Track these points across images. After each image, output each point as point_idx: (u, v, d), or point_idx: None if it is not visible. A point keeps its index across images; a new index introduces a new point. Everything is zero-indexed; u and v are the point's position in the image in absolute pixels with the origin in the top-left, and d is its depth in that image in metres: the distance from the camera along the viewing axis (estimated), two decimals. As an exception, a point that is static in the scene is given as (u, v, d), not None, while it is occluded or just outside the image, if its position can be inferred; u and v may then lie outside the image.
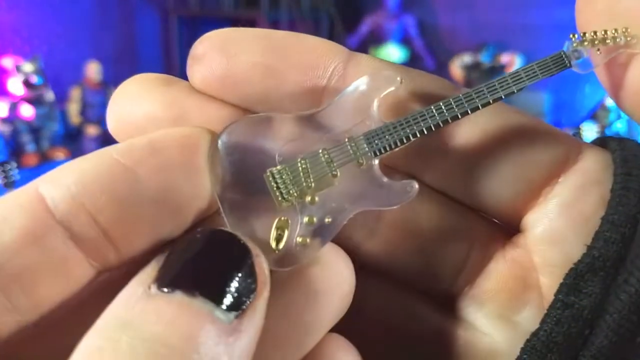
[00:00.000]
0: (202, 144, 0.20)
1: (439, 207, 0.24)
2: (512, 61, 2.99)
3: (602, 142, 0.25)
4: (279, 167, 0.21)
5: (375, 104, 0.22)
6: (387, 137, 0.21)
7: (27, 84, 2.88)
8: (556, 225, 0.23)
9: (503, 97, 0.22)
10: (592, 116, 2.46)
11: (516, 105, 0.24)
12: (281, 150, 0.21)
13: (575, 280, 0.22)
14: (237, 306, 0.17)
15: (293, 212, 0.21)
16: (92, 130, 3.04)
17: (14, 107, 2.87)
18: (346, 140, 0.22)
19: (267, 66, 0.22)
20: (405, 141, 0.21)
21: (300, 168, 0.21)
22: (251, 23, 3.99)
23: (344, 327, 0.22)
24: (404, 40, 3.66)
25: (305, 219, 0.21)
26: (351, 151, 0.21)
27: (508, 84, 0.22)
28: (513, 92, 0.22)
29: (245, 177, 0.21)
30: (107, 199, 0.18)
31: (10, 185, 1.61)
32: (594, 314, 0.22)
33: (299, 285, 0.20)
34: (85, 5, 3.43)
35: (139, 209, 0.19)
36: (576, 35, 0.23)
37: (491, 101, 0.22)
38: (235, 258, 0.18)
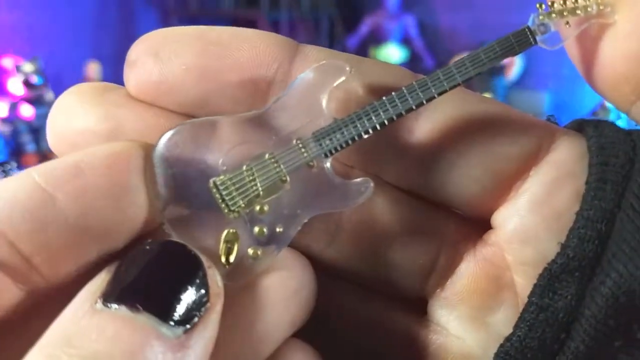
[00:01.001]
0: (132, 161, 0.19)
1: (402, 206, 0.23)
2: (512, 61, 2.99)
3: (579, 125, 0.23)
4: (222, 177, 0.19)
5: (324, 98, 0.20)
6: (337, 136, 0.20)
7: (27, 84, 2.88)
8: (527, 222, 0.21)
9: (460, 82, 0.20)
10: (592, 116, 2.46)
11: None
12: (225, 157, 0.20)
13: (549, 282, 0.21)
14: (185, 321, 0.16)
15: (242, 223, 0.20)
16: (92, 130, 3.04)
17: (14, 107, 2.87)
18: (294, 141, 0.20)
19: (202, 68, 0.20)
20: (357, 139, 0.20)
21: (246, 175, 0.20)
22: (251, 23, 3.99)
23: (310, 334, 0.21)
24: (404, 40, 3.66)
25: (256, 230, 0.20)
26: (300, 154, 0.20)
27: (466, 67, 0.20)
28: (471, 77, 0.20)
29: (188, 190, 0.20)
30: (27, 226, 0.17)
31: (11, 185, 1.61)
32: (570, 316, 0.21)
33: (253, 294, 0.20)
34: (85, 5, 3.43)
35: (61, 236, 0.18)
36: (544, 6, 0.20)
37: (448, 89, 0.20)
38: (186, 270, 0.17)
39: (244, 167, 0.20)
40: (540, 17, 0.20)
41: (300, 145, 0.20)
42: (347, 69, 0.20)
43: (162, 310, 0.16)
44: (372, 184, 0.20)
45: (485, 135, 0.22)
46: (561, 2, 0.20)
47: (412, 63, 3.68)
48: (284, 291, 0.20)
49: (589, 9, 0.20)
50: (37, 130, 2.90)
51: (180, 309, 0.16)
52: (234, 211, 0.19)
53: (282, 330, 0.20)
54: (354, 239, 0.22)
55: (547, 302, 0.21)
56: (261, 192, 0.20)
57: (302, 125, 0.20)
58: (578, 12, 0.20)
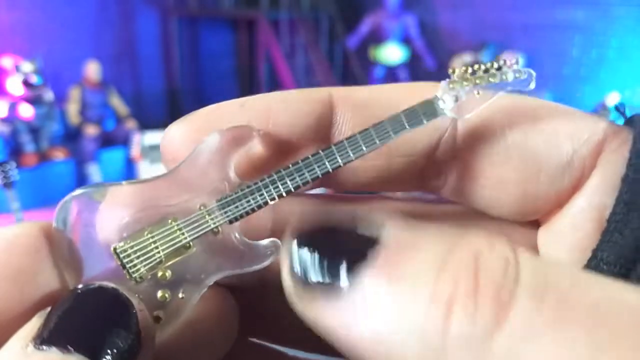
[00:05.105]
0: (32, 243, 0.19)
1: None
2: (512, 60, 2.98)
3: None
4: (122, 244, 0.19)
5: (231, 163, 0.20)
6: (243, 203, 0.20)
7: (26, 83, 2.88)
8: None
9: (366, 153, 0.20)
10: (593, 116, 2.45)
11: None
12: (125, 223, 0.19)
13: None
14: None
15: (147, 288, 0.20)
16: (91, 130, 3.04)
17: (13, 107, 2.86)
18: (199, 207, 0.20)
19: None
20: (263, 206, 0.20)
21: (148, 242, 0.19)
22: (251, 23, 3.99)
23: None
24: (405, 39, 3.65)
25: (159, 294, 0.20)
26: (205, 221, 0.20)
27: (372, 139, 0.20)
28: (377, 148, 0.20)
29: (92, 258, 0.19)
30: None
31: (10, 185, 1.59)
32: None
33: (180, 329, 0.20)
34: (85, 5, 3.43)
35: None
36: (457, 70, 0.20)
37: (354, 158, 0.20)
38: (117, 313, 0.17)
39: (146, 234, 0.19)
40: (451, 85, 0.19)
41: (206, 213, 0.20)
42: (254, 133, 0.20)
43: (93, 351, 0.16)
44: (279, 244, 0.20)
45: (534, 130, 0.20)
46: (474, 68, 0.19)
47: (413, 63, 3.68)
48: (208, 322, 0.20)
49: (503, 77, 0.19)
50: (36, 130, 2.90)
51: (112, 350, 0.16)
52: (135, 279, 0.19)
53: (211, 354, 0.21)
54: None
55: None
56: (163, 259, 0.19)
57: (207, 190, 0.20)
58: (491, 79, 0.19)
